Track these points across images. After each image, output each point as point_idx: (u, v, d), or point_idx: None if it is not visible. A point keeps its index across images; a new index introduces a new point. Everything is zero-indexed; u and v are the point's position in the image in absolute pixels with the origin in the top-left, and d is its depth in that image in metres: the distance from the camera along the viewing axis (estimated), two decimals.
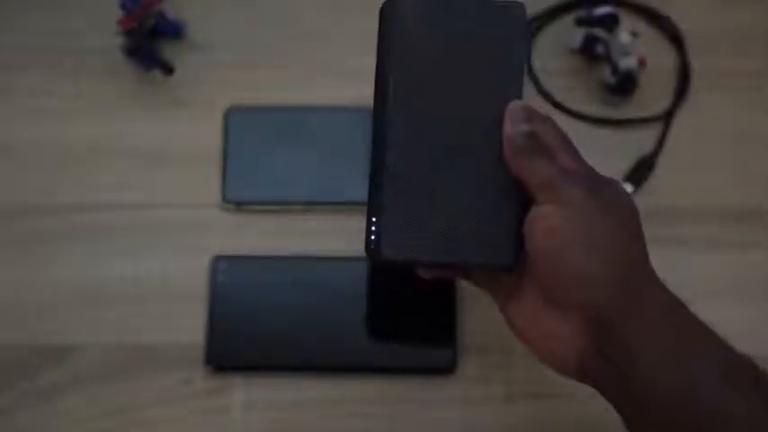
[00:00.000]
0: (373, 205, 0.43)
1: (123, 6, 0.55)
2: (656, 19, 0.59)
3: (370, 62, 0.58)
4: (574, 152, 0.40)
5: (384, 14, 0.45)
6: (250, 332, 0.53)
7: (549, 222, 0.37)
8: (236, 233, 0.55)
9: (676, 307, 0.37)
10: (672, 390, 0.34)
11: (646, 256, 0.38)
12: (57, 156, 0.57)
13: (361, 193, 0.55)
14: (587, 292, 0.36)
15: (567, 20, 0.59)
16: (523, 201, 0.40)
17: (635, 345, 0.35)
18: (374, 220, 0.43)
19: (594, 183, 0.38)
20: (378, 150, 0.44)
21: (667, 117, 0.58)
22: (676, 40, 0.59)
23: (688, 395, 0.34)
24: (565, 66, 0.59)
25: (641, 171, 0.56)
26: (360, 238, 0.55)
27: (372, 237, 0.43)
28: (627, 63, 0.55)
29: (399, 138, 0.43)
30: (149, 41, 0.57)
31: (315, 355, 0.53)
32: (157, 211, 0.56)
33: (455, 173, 0.42)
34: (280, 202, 0.56)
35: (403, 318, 0.53)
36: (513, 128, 0.39)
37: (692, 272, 0.54)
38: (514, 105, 0.40)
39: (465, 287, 0.54)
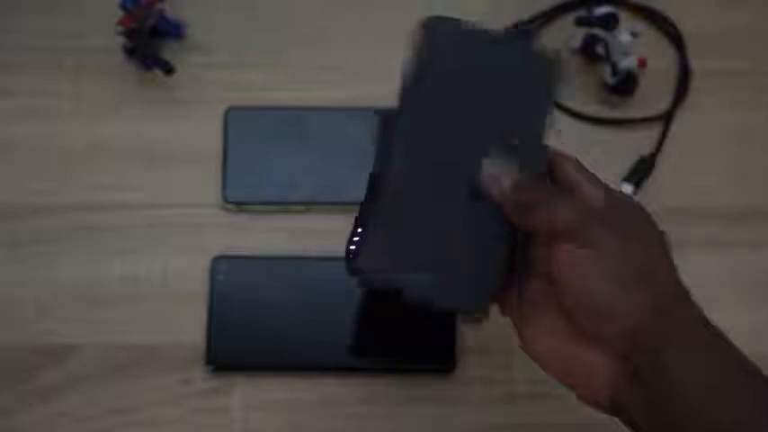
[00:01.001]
0: (364, 216, 0.42)
1: (123, 6, 0.55)
2: (656, 19, 0.59)
3: (370, 62, 0.58)
4: (593, 181, 0.40)
5: (421, 35, 0.44)
6: (250, 332, 0.53)
7: (575, 261, 0.37)
8: (236, 233, 0.55)
9: (713, 334, 0.36)
10: (715, 422, 0.34)
11: (676, 275, 0.38)
12: (57, 156, 0.57)
13: (362, 193, 0.55)
14: (623, 326, 0.36)
15: (567, 20, 0.59)
16: (515, 242, 0.40)
17: (677, 375, 0.35)
18: (359, 230, 0.42)
19: (613, 213, 0.38)
20: (381, 162, 0.43)
21: (667, 117, 0.58)
22: (676, 40, 0.59)
23: (732, 430, 0.34)
24: (565, 66, 0.59)
25: (641, 171, 0.56)
26: None
27: (353, 246, 0.41)
28: (627, 63, 0.55)
29: (405, 155, 0.42)
30: (149, 42, 0.57)
31: (315, 355, 0.53)
32: (157, 211, 0.56)
33: (452, 205, 0.41)
34: (280, 202, 0.56)
35: (403, 317, 0.53)
36: (497, 190, 0.40)
37: (692, 272, 0.54)
38: (490, 168, 0.40)
39: None
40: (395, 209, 0.41)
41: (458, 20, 0.43)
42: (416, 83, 0.42)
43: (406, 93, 0.42)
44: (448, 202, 0.41)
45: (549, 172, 0.41)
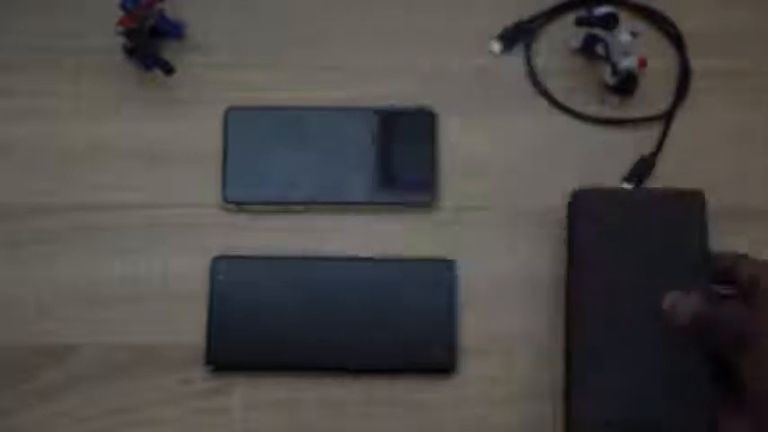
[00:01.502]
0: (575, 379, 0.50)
1: (123, 6, 0.55)
2: (656, 19, 0.59)
3: (370, 62, 0.59)
4: None
5: (572, 206, 0.52)
6: (250, 332, 0.53)
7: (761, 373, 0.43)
8: (236, 233, 0.55)
9: None
10: None
11: None
12: (57, 156, 0.57)
13: (361, 193, 0.56)
14: None
15: (567, 20, 0.59)
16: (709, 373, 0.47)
17: None
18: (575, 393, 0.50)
19: None
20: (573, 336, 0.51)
21: (667, 117, 0.58)
22: (676, 40, 0.59)
23: None
24: (565, 66, 0.59)
25: (641, 171, 0.56)
26: (359, 238, 0.56)
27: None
28: (627, 63, 0.55)
29: (595, 313, 0.50)
30: (149, 42, 0.57)
31: (315, 355, 0.53)
32: (157, 211, 0.56)
33: (645, 348, 0.49)
34: (280, 202, 0.56)
35: (403, 318, 0.53)
36: (672, 320, 0.48)
37: None
38: (666, 304, 0.48)
39: (464, 288, 0.54)
40: (599, 364, 0.49)
41: (602, 188, 0.53)
42: (585, 247, 0.51)
43: (580, 258, 0.51)
44: (646, 347, 0.49)
45: (730, 280, 0.48)
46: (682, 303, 0.48)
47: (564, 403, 0.50)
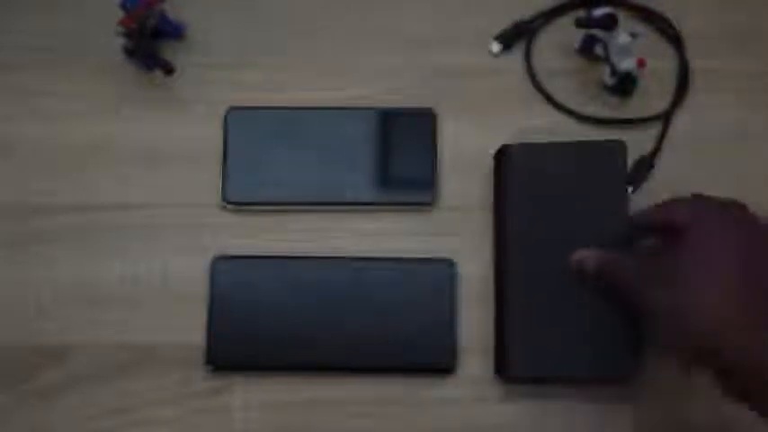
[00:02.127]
0: (501, 325, 0.52)
1: (123, 6, 0.55)
2: (656, 19, 0.59)
3: (371, 62, 0.59)
4: (681, 199, 0.46)
5: (498, 161, 0.54)
6: (250, 332, 0.53)
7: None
8: (236, 233, 0.55)
9: None
10: None
11: None
12: (57, 156, 0.57)
13: (361, 193, 0.56)
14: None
15: (567, 20, 0.59)
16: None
17: None
18: (501, 340, 0.51)
19: (697, 234, 0.43)
20: (501, 285, 0.52)
21: (667, 117, 0.58)
22: (676, 40, 0.59)
23: None
24: (565, 66, 0.59)
25: (641, 171, 0.56)
26: (359, 238, 0.56)
27: (501, 358, 0.51)
28: (626, 64, 0.55)
29: (521, 262, 0.51)
30: (150, 42, 0.57)
31: (315, 355, 0.53)
32: (157, 210, 0.56)
33: (569, 297, 0.50)
34: (280, 202, 0.56)
35: (403, 318, 0.53)
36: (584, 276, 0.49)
37: None
38: (573, 259, 0.50)
39: (464, 288, 0.54)
40: (526, 312, 0.50)
41: (528, 143, 0.53)
42: (515, 200, 0.52)
43: (510, 210, 0.52)
44: (564, 296, 0.50)
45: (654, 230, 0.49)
46: (586, 259, 0.49)
47: (495, 341, 0.53)
